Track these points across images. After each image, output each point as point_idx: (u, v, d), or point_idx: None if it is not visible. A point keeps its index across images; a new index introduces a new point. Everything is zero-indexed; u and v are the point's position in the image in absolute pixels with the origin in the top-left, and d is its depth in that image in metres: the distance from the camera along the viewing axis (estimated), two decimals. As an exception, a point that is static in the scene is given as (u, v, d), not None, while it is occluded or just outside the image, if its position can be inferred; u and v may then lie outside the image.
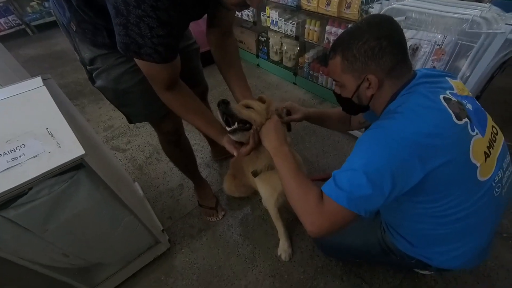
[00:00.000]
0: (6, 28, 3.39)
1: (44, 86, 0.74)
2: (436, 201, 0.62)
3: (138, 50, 0.62)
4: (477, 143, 0.61)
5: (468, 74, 1.18)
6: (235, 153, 0.80)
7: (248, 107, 0.82)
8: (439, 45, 1.17)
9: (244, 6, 0.65)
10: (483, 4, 1.16)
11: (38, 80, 0.77)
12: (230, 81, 0.96)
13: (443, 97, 0.62)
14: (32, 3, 3.54)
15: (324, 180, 0.65)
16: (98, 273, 1.04)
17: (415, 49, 1.24)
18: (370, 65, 0.64)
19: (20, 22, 3.47)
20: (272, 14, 2.09)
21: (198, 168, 1.36)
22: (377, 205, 0.58)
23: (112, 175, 0.87)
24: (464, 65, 1.16)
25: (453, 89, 0.66)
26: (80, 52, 0.81)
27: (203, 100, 1.28)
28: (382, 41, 0.61)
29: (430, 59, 1.23)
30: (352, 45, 0.64)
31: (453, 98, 0.62)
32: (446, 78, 0.69)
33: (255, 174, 0.93)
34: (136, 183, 1.52)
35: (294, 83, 2.31)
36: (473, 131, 0.61)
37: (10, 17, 3.39)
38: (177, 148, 1.15)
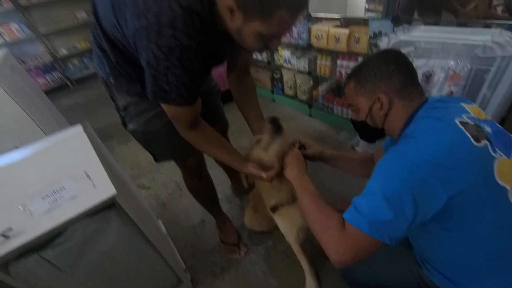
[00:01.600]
0: (51, 83, 3.88)
1: (84, 133, 0.83)
2: (468, 227, 0.59)
3: (165, 96, 0.70)
4: (503, 164, 0.58)
5: (488, 97, 1.15)
6: (263, 175, 0.83)
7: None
8: (453, 70, 1.18)
9: (265, 48, 0.72)
10: (493, 30, 1.18)
11: (78, 128, 0.87)
12: (249, 116, 1.03)
13: (459, 121, 0.61)
14: (74, 60, 4.06)
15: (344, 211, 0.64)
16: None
17: (429, 76, 1.25)
18: (380, 86, 0.68)
19: (63, 77, 3.97)
20: (284, 53, 2.23)
21: (219, 202, 1.37)
22: (400, 231, 0.56)
23: (139, 213, 0.90)
24: (483, 88, 1.14)
25: (469, 113, 0.65)
26: (116, 101, 0.91)
27: (224, 136, 1.35)
28: (389, 64, 0.68)
29: (446, 84, 1.23)
30: (363, 69, 0.71)
31: (470, 121, 0.62)
32: (461, 103, 0.69)
33: (273, 209, 0.94)
34: (159, 220, 1.55)
35: (310, 115, 2.36)
36: (495, 152, 0.59)
37: (54, 73, 3.90)
38: (199, 182, 1.19)
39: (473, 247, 0.61)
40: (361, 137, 0.86)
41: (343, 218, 0.63)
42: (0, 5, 3.26)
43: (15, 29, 3.45)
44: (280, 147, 0.86)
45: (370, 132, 0.78)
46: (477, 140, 0.58)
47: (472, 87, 1.19)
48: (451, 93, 1.22)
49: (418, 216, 0.55)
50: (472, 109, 0.68)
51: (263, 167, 0.86)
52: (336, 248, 0.60)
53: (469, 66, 1.14)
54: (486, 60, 1.10)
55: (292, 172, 0.80)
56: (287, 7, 0.59)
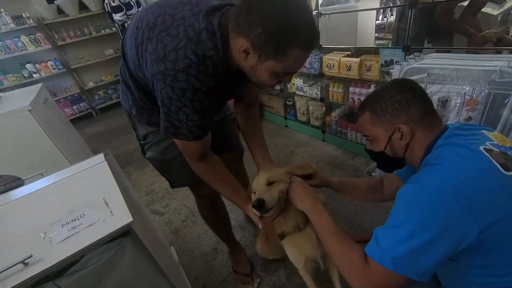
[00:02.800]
0: (78, 112, 4.18)
1: (105, 161, 0.87)
2: (503, 267, 0.54)
3: (175, 131, 0.75)
4: None
5: (512, 121, 1.11)
6: (260, 226, 0.86)
7: (270, 182, 0.86)
8: (470, 96, 1.16)
9: (278, 83, 0.76)
10: (508, 55, 1.17)
11: (100, 156, 0.91)
12: (253, 148, 1.06)
13: (484, 148, 0.59)
14: (99, 92, 4.39)
15: (367, 242, 0.61)
16: None
17: (445, 101, 1.24)
18: (399, 116, 0.67)
19: (89, 107, 4.26)
20: (297, 82, 2.30)
21: (232, 230, 1.35)
22: (428, 266, 0.52)
23: (153, 241, 0.90)
24: (504, 113, 1.11)
25: (493, 141, 0.63)
26: (137, 130, 0.98)
27: (239, 163, 1.36)
28: (407, 94, 0.67)
29: (464, 109, 1.20)
30: (379, 100, 0.70)
31: (495, 149, 0.59)
32: (482, 131, 0.67)
33: (281, 236, 0.92)
34: (172, 248, 1.53)
35: (323, 140, 2.35)
36: None
37: (81, 104, 4.20)
38: (213, 211, 1.19)
39: None
40: (379, 167, 0.84)
41: (364, 252, 0.60)
42: (40, 45, 3.65)
43: (50, 66, 3.82)
44: (281, 187, 0.85)
45: (388, 162, 0.76)
46: (507, 168, 0.55)
47: (492, 112, 1.16)
48: (470, 118, 1.19)
49: (446, 250, 0.52)
50: (495, 136, 0.65)
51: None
52: (361, 285, 0.58)
53: (486, 91, 1.12)
54: (505, 84, 1.08)
55: (304, 205, 0.80)
56: (300, 46, 0.62)
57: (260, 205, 0.79)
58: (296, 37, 0.60)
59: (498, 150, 0.59)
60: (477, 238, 0.51)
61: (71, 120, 3.07)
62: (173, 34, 0.66)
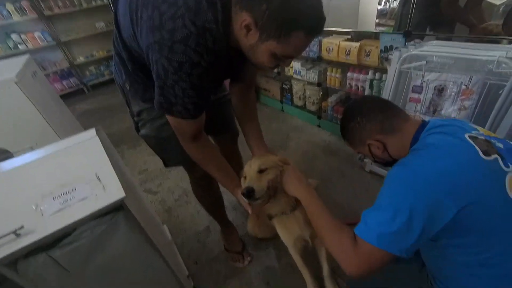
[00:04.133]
0: (68, 88, 4.03)
1: (97, 137, 0.86)
2: (480, 244, 0.58)
3: (170, 107, 0.72)
4: None
5: (503, 112, 1.13)
6: (250, 211, 0.88)
7: (262, 170, 0.86)
8: (466, 85, 1.16)
9: (276, 67, 0.74)
10: (507, 46, 1.17)
11: (92, 132, 0.89)
12: (248, 132, 1.05)
13: (469, 135, 0.62)
14: (91, 68, 4.22)
15: (357, 224, 0.65)
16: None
17: (441, 90, 1.24)
18: (363, 134, 0.76)
19: (79, 83, 4.12)
20: (295, 65, 2.26)
21: (225, 211, 1.37)
22: (409, 243, 0.57)
23: (146, 217, 0.91)
24: (497, 103, 1.12)
25: (478, 131, 0.66)
26: (130, 106, 0.95)
27: (234, 144, 1.35)
28: (358, 118, 0.76)
29: (459, 98, 1.21)
30: (346, 129, 0.80)
31: (480, 137, 0.62)
32: (469, 124, 0.70)
33: (269, 217, 0.96)
34: (164, 226, 1.55)
35: (319, 126, 2.36)
36: (507, 166, 0.59)
37: (71, 79, 4.05)
38: (207, 192, 1.19)
39: (486, 268, 0.59)
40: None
41: (354, 233, 0.64)
42: (25, 14, 3.45)
43: (37, 37, 3.63)
44: (271, 176, 0.86)
45: (386, 163, 0.80)
46: (487, 154, 0.59)
47: (486, 102, 1.17)
48: (464, 107, 1.20)
49: (426, 229, 0.56)
50: (481, 129, 0.69)
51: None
52: (349, 262, 0.62)
53: (482, 81, 1.13)
54: (501, 75, 1.08)
55: (296, 191, 0.82)
56: (304, 29, 0.60)
57: (249, 194, 0.80)
58: (301, 19, 0.59)
59: (483, 138, 0.63)
60: (454, 218, 0.55)
61: (61, 96, 2.98)
62: (171, 1, 0.62)
